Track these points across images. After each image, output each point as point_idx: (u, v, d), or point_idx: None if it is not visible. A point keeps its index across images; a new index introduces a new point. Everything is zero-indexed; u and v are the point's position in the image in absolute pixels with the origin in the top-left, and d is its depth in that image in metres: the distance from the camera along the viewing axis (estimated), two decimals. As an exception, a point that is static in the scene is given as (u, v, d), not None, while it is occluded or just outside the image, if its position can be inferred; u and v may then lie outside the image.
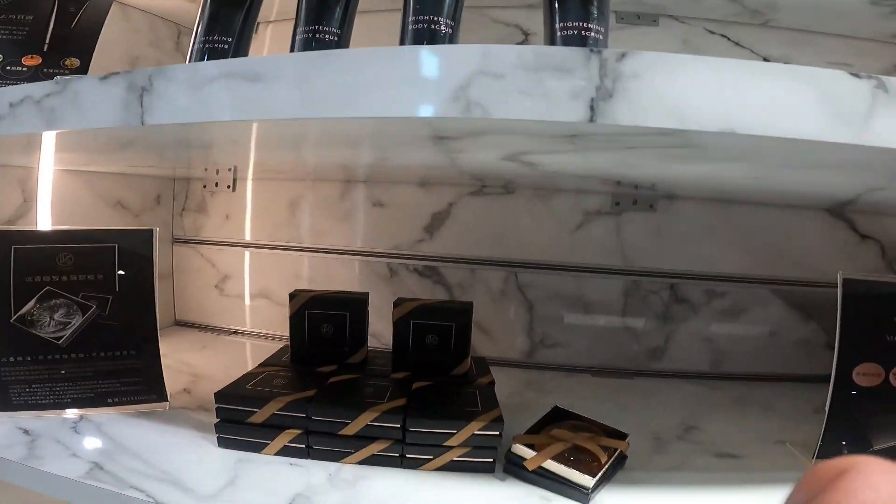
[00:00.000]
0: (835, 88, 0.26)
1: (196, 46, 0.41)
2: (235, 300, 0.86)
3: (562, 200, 0.76)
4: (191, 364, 0.70)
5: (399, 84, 0.28)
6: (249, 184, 0.85)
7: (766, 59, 0.71)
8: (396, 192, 0.79)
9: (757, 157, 0.35)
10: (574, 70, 0.27)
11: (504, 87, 0.27)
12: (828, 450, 0.46)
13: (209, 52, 0.40)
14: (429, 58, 0.28)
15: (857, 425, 0.46)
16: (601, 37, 0.34)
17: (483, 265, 0.78)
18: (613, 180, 0.64)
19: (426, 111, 0.28)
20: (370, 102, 0.29)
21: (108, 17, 0.53)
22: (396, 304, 0.56)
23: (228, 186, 0.84)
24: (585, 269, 0.76)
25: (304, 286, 0.72)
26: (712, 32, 0.71)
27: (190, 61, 0.41)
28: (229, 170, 0.84)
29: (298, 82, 0.30)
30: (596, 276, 0.76)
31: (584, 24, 0.34)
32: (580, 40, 0.34)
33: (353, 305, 0.59)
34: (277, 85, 0.30)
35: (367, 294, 0.61)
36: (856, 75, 0.26)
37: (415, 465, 0.45)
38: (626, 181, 0.65)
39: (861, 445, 0.46)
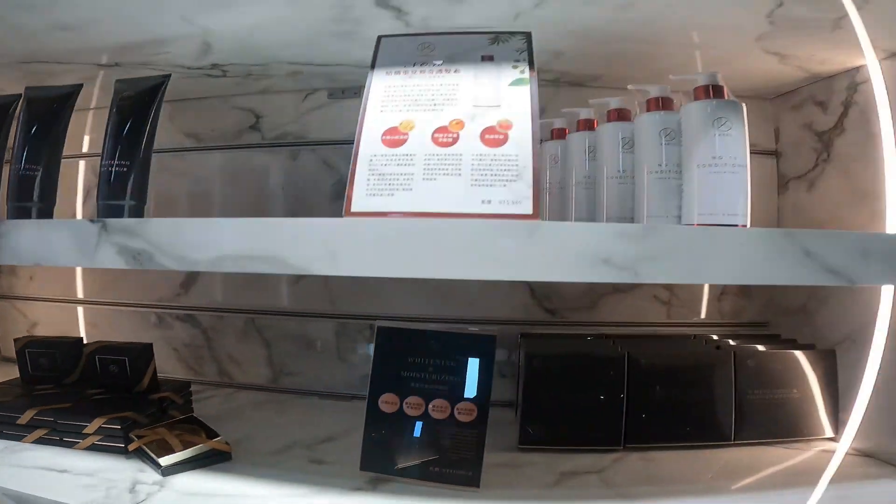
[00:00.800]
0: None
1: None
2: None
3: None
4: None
5: None
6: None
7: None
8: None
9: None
10: None
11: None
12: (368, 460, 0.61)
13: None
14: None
15: (384, 442, 0.61)
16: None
17: (229, 312, 0.98)
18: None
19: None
20: None
21: None
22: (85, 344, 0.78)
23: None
24: (304, 313, 0.96)
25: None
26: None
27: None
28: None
29: None
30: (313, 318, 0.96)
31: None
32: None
33: (64, 347, 0.81)
34: None
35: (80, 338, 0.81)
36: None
37: (71, 445, 0.64)
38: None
39: (389, 460, 0.58)
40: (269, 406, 0.90)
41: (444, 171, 0.43)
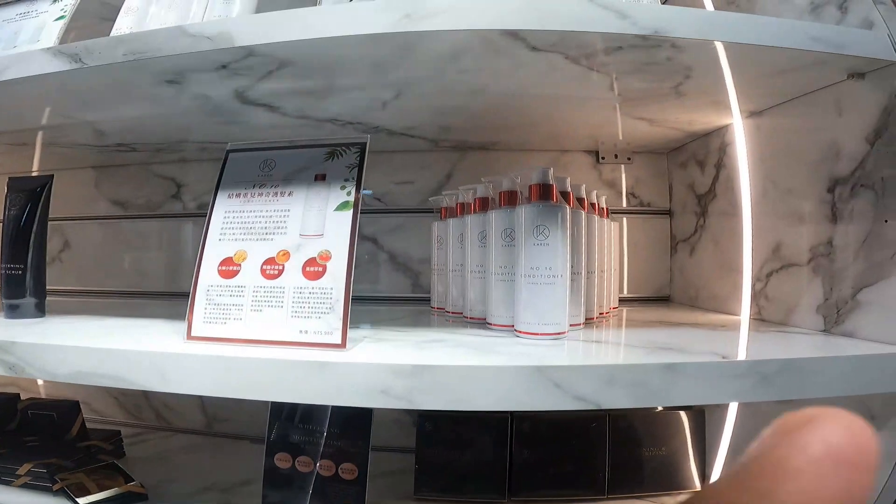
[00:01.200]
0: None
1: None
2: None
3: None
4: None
5: None
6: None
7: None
8: None
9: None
10: None
11: None
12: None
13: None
14: None
15: (281, 490, 0.70)
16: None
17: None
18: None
19: None
20: None
21: None
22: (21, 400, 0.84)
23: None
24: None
25: None
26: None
27: None
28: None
29: None
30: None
31: None
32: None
33: (2, 401, 0.87)
34: None
35: (16, 394, 0.87)
36: None
37: (8, 483, 0.72)
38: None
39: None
40: (203, 450, 0.96)
41: (269, 303, 0.47)
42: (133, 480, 0.74)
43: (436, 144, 0.89)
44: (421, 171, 0.93)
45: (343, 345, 0.45)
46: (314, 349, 0.45)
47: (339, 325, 0.45)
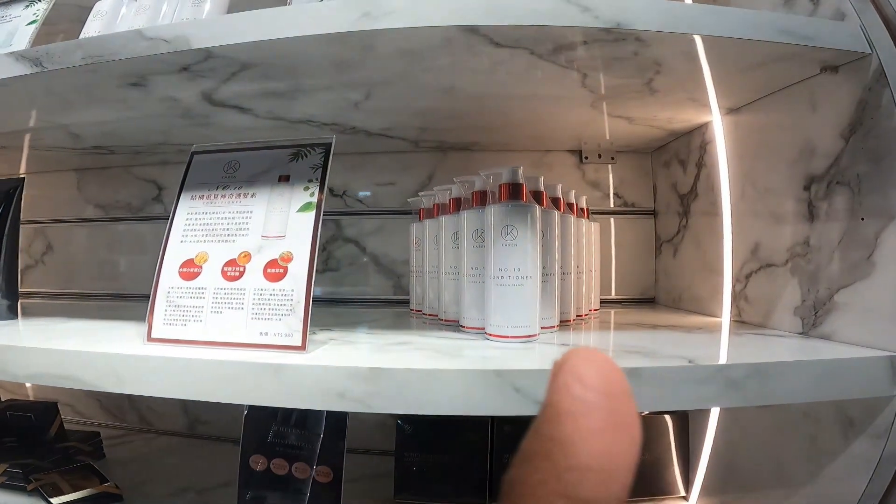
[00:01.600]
0: None
1: None
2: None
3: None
4: None
5: None
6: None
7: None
8: None
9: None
10: None
11: None
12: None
13: None
14: None
15: (256, 493, 0.69)
16: None
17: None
18: None
19: None
20: None
21: None
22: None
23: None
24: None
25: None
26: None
27: None
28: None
29: None
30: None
31: None
32: None
33: None
34: None
35: None
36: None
37: None
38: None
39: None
40: (184, 452, 0.95)
41: (229, 304, 0.46)
42: (108, 481, 0.75)
43: (416, 145, 0.88)
44: (403, 172, 0.92)
45: (303, 347, 0.44)
46: (274, 351, 0.45)
47: (300, 326, 0.44)
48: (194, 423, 1.02)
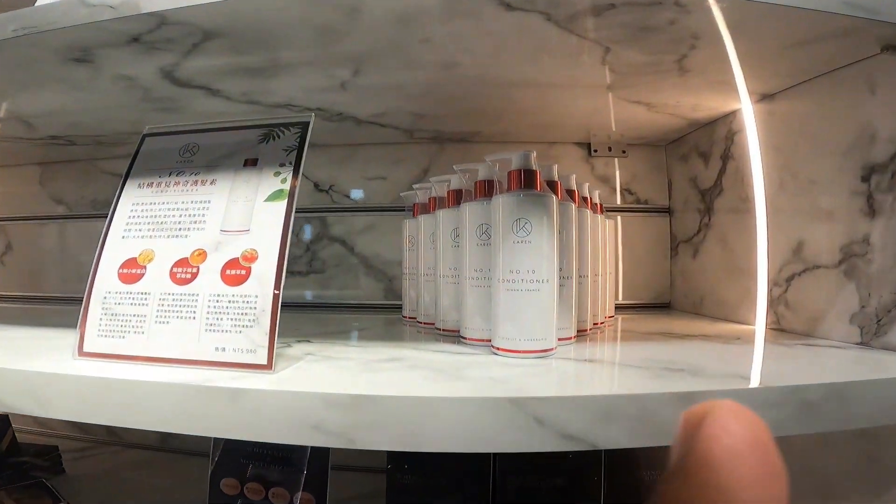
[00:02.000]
0: None
1: None
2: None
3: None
4: None
5: None
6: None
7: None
8: None
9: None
10: None
11: None
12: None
13: None
14: None
15: None
16: None
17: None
18: None
19: None
20: None
21: None
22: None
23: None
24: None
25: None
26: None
27: None
28: None
29: None
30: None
31: None
32: None
33: None
34: None
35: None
36: None
37: None
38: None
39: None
40: (154, 466, 0.87)
41: (179, 313, 0.38)
42: (61, 500, 0.67)
43: (411, 136, 0.80)
44: (395, 165, 0.84)
45: (269, 366, 0.36)
46: (233, 370, 0.36)
47: (265, 341, 0.36)
48: (166, 435, 0.92)
